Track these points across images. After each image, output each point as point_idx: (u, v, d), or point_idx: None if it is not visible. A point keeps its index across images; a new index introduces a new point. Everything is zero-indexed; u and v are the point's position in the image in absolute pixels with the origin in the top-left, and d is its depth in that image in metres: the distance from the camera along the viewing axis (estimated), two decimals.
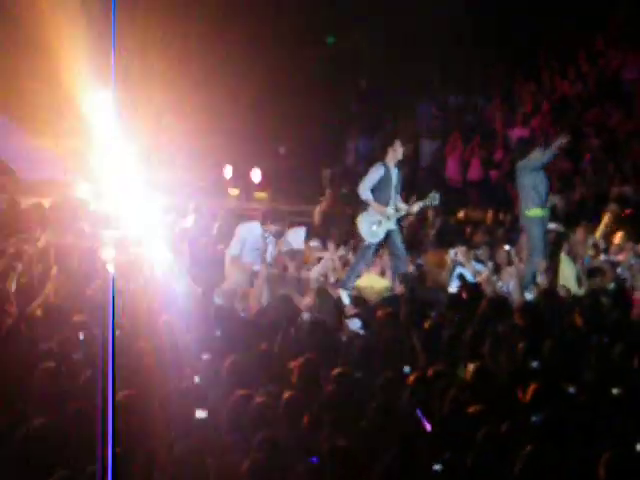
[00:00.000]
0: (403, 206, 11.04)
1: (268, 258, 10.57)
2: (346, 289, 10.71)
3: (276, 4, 20.41)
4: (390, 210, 10.87)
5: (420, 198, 11.27)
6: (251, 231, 10.78)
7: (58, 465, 5.28)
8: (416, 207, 11.13)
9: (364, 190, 10.86)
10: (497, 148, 17.73)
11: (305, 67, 20.41)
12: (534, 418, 5.96)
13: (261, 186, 18.67)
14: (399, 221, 11.09)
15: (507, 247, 11.54)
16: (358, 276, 10.90)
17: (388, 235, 10.93)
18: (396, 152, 10.92)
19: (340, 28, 21.05)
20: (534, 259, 10.87)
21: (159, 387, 6.40)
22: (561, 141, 11.17)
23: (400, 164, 11.09)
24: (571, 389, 6.55)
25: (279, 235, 11.10)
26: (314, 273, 10.93)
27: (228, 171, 19.02)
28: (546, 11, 18.92)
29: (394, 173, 10.96)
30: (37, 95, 19.22)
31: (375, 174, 10.90)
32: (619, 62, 17.88)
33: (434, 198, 11.02)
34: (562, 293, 9.99)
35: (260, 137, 19.61)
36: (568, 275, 10.88)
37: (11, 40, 18.72)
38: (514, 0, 19.05)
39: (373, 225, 10.88)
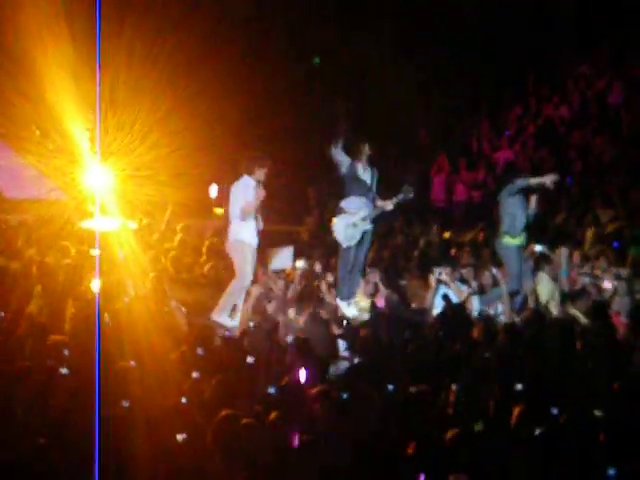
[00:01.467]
0: (378, 203, 10.79)
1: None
2: (343, 299, 10.66)
3: (262, 24, 20.49)
4: (366, 211, 10.69)
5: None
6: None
7: None
8: (389, 204, 10.78)
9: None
10: (481, 169, 17.80)
11: (292, 86, 20.47)
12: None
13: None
14: (374, 221, 10.84)
15: (493, 269, 11.54)
16: (349, 282, 10.78)
17: (364, 235, 10.73)
18: (362, 149, 10.65)
19: (326, 47, 21.13)
20: (509, 286, 10.84)
21: (144, 407, 6.37)
22: (548, 180, 10.95)
23: (373, 163, 10.79)
24: (554, 410, 6.55)
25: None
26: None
27: (213, 190, 19.02)
28: (533, 35, 19.10)
29: (365, 171, 10.73)
30: (22, 113, 19.23)
31: (342, 169, 10.65)
32: (604, 86, 18.02)
33: (408, 191, 10.77)
34: (544, 314, 10.04)
35: (248, 154, 19.61)
36: (547, 295, 10.93)
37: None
38: (501, 24, 19.21)
39: (348, 228, 10.75)
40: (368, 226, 10.77)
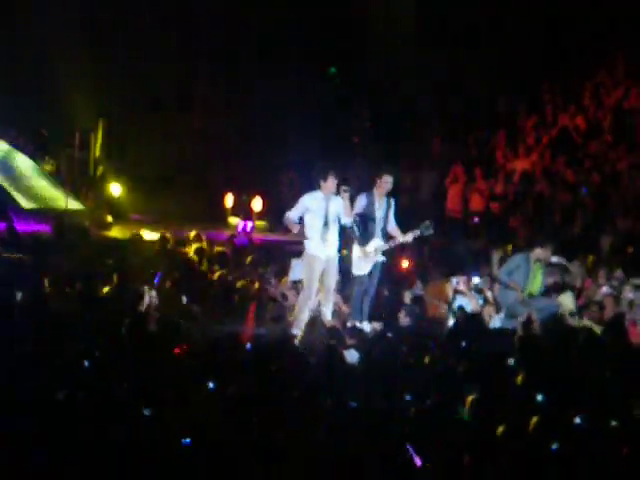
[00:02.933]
0: (398, 235, 10.87)
1: None
2: (357, 320, 10.63)
3: (279, 39, 20.54)
4: (378, 242, 10.74)
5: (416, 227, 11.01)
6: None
7: None
8: (409, 237, 10.84)
9: (347, 221, 10.65)
10: (499, 180, 17.75)
11: (310, 95, 20.51)
12: None
13: (262, 215, 18.71)
14: (384, 253, 10.86)
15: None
16: (361, 305, 10.77)
17: (374, 267, 10.76)
18: (384, 183, 10.81)
19: (342, 60, 21.17)
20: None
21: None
22: None
23: (391, 195, 10.90)
24: (577, 420, 6.53)
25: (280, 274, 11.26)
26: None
27: (229, 199, 19.07)
28: (549, 44, 19.07)
29: (381, 204, 10.82)
30: (38, 124, 19.41)
31: (357, 204, 10.73)
32: (621, 95, 17.95)
33: (427, 227, 10.85)
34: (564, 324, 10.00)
35: (262, 165, 19.67)
36: (568, 307, 10.88)
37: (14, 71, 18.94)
38: (517, 34, 19.21)
39: (360, 259, 10.72)
40: (380, 258, 10.77)
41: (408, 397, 7.11)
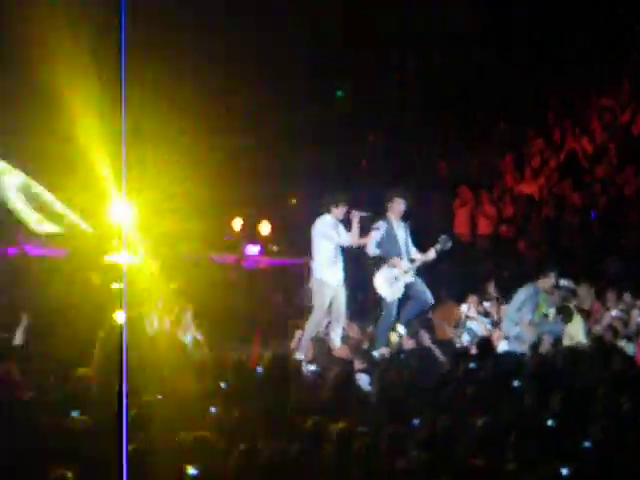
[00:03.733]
0: (419, 256, 10.89)
1: None
2: (380, 347, 10.59)
3: (290, 58, 20.61)
4: (405, 264, 10.76)
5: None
6: None
7: None
8: (432, 253, 10.85)
9: (371, 248, 10.73)
10: (507, 204, 17.74)
11: (316, 119, 20.56)
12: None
13: (270, 239, 18.71)
14: (417, 272, 10.91)
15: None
16: (387, 333, 10.72)
17: (407, 287, 10.80)
18: (398, 206, 10.81)
19: (353, 80, 21.23)
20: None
21: (166, 440, 6.36)
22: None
23: (406, 217, 10.97)
24: (587, 444, 6.50)
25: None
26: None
27: (237, 223, 19.08)
28: (556, 67, 19.12)
29: (399, 227, 10.87)
30: (51, 151, 19.50)
31: (377, 232, 10.80)
32: (628, 118, 17.97)
33: (445, 240, 10.85)
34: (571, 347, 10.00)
35: (270, 189, 19.70)
36: (578, 329, 10.87)
37: (25, 101, 19.05)
38: (525, 55, 19.27)
39: (391, 282, 10.75)
40: (410, 279, 10.75)
41: (416, 421, 7.10)
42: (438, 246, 10.81)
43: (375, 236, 10.70)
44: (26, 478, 6.02)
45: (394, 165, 19.12)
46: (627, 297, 11.77)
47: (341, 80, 21.41)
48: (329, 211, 10.49)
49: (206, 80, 21.02)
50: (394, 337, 10.73)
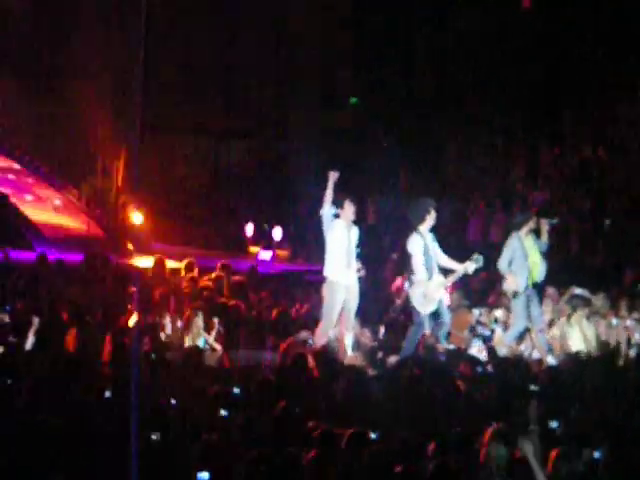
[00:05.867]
0: (458, 266, 10.74)
1: None
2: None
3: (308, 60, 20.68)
4: (439, 280, 10.68)
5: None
6: None
7: None
8: (471, 267, 10.67)
9: (418, 268, 10.52)
10: (517, 210, 17.73)
11: (326, 125, 20.63)
12: None
13: (282, 244, 18.75)
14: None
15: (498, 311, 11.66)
16: (414, 346, 10.67)
17: (439, 302, 10.65)
18: (432, 218, 10.79)
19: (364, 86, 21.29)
20: (516, 328, 10.89)
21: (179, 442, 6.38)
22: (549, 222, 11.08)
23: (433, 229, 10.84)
24: (596, 453, 6.48)
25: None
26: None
27: (249, 229, 19.13)
28: (570, 77, 19.12)
29: (429, 239, 10.74)
30: (70, 145, 19.62)
31: (418, 247, 10.57)
32: None
33: (478, 259, 10.76)
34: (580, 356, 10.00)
35: (282, 195, 19.76)
36: (590, 338, 10.88)
37: (44, 97, 19.18)
38: (539, 65, 19.27)
39: (428, 296, 10.61)
40: (443, 294, 10.71)
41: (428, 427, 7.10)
42: (473, 264, 10.69)
43: (418, 253, 10.61)
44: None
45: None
46: None
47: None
48: (338, 215, 10.48)
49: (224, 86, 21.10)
50: None
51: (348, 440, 6.43)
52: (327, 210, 10.49)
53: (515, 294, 10.94)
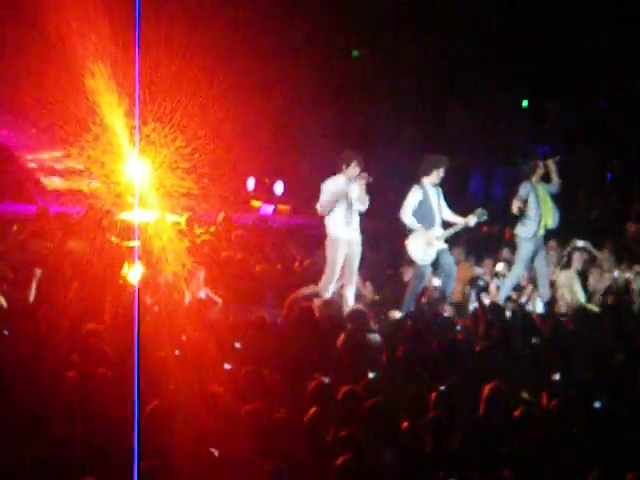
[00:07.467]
0: (458, 219, 10.88)
1: None
2: (406, 310, 10.58)
3: (304, 17, 20.48)
4: (438, 231, 10.75)
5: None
6: None
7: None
8: (472, 220, 10.81)
9: (406, 216, 10.69)
10: None
11: (329, 80, 20.46)
12: None
13: (284, 198, 18.71)
14: (447, 240, 10.89)
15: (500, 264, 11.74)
16: (415, 297, 10.73)
17: (439, 254, 10.78)
18: (440, 173, 10.75)
19: (369, 40, 21.07)
20: (515, 271, 10.89)
21: (182, 398, 6.39)
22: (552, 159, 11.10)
23: (442, 183, 10.88)
24: (597, 404, 6.53)
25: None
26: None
27: (251, 183, 19.08)
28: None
29: (433, 192, 10.80)
30: (63, 106, 19.44)
31: (413, 198, 10.73)
32: None
33: (483, 213, 10.82)
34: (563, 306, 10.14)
35: (284, 149, 19.66)
36: (576, 290, 10.98)
37: (38, 55, 19.00)
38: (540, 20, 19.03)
39: (424, 247, 10.70)
40: (443, 245, 10.73)
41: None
42: (475, 217, 10.79)
43: (412, 202, 10.61)
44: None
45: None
46: None
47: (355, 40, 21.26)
48: (341, 170, 10.46)
49: (223, 38, 20.88)
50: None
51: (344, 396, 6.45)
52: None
53: (524, 239, 11.01)
